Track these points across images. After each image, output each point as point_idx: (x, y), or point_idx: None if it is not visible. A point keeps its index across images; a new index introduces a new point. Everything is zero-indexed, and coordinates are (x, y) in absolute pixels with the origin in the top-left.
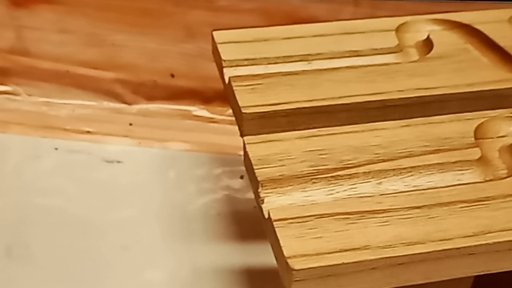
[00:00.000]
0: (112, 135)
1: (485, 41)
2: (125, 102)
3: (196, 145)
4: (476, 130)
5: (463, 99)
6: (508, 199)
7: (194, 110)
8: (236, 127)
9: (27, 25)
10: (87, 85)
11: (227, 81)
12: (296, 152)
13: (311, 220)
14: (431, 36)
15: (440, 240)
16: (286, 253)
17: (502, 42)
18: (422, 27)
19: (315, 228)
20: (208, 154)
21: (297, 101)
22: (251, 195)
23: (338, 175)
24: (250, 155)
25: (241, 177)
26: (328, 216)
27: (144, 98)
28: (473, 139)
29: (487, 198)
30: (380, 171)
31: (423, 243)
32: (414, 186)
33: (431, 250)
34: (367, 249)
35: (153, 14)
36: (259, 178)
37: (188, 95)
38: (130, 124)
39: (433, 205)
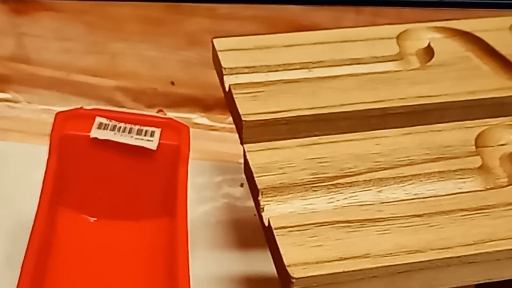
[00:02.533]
0: None
1: (486, 49)
2: None
3: (196, 153)
4: (477, 138)
5: (464, 107)
6: (509, 207)
7: (195, 117)
8: (237, 135)
9: (28, 33)
10: (87, 93)
11: (227, 89)
12: (296, 160)
13: (312, 228)
14: (432, 44)
15: (441, 249)
16: (286, 261)
17: (503, 50)
18: (423, 34)
19: (315, 236)
20: (208, 162)
21: (298, 109)
22: (251, 203)
23: (339, 183)
24: (250, 163)
25: (241, 185)
26: (328, 224)
27: (145, 106)
28: (474, 147)
29: (488, 207)
30: (381, 179)
31: (424, 252)
32: (415, 194)
33: (432, 258)
34: (368, 257)
35: (154, 21)
36: (259, 186)
37: (189, 103)
38: None
39: (434, 213)
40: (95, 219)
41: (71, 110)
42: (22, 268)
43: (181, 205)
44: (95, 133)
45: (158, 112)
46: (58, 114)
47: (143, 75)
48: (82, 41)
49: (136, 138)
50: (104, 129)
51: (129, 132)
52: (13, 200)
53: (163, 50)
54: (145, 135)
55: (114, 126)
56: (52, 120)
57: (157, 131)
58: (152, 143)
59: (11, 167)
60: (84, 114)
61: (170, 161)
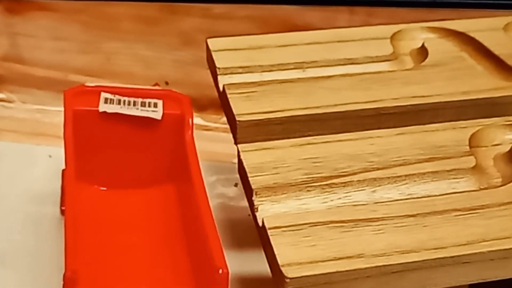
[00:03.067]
0: None
1: (480, 49)
2: None
3: None
4: (471, 138)
5: (458, 107)
6: (502, 207)
7: None
8: (231, 135)
9: (22, 32)
10: None
11: (221, 89)
12: (290, 160)
13: (306, 228)
14: (426, 44)
15: (435, 249)
16: (280, 261)
17: (497, 50)
18: (417, 35)
19: (309, 236)
20: (202, 162)
21: (291, 109)
22: (245, 203)
23: (333, 183)
24: (244, 163)
25: (236, 185)
26: (322, 224)
27: None
28: (467, 147)
29: (481, 207)
30: (375, 179)
31: (418, 252)
32: (408, 194)
33: (426, 258)
34: (362, 257)
35: (148, 21)
36: (253, 186)
37: None
38: None
39: (428, 213)
40: (105, 188)
41: (76, 87)
42: (66, 243)
43: (194, 168)
44: (103, 107)
45: (154, 85)
46: (66, 91)
47: (138, 74)
48: (76, 40)
49: (142, 110)
50: (110, 103)
51: (134, 104)
52: (7, 199)
53: (157, 49)
54: (149, 106)
55: (119, 100)
56: (46, 120)
57: (160, 102)
58: (157, 113)
59: (5, 166)
60: (89, 91)
61: (175, 129)
